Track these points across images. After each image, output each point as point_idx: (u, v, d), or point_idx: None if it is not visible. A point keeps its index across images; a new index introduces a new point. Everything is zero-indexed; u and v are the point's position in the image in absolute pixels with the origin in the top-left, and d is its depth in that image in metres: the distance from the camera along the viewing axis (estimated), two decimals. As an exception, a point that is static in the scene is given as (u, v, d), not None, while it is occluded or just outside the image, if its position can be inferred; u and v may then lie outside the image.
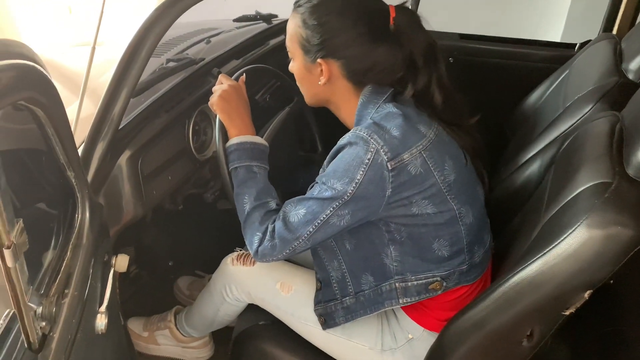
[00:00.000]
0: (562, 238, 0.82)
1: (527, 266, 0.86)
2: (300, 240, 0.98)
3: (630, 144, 0.87)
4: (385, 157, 0.91)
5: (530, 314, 0.88)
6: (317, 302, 1.15)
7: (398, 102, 0.99)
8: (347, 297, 1.10)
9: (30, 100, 0.60)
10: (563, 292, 0.83)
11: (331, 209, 0.94)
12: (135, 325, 1.53)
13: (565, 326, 0.90)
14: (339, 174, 0.93)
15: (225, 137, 1.13)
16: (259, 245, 1.01)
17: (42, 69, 0.61)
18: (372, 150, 0.91)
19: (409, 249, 1.00)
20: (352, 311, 1.10)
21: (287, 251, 1.00)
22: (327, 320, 1.13)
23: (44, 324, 0.67)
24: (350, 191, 0.92)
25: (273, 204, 1.06)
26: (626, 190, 0.81)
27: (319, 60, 1.00)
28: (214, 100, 1.13)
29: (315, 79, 1.03)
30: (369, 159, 0.91)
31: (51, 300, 0.70)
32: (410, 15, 1.00)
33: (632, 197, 0.80)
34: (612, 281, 0.81)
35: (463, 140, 1.05)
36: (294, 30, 1.02)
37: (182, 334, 1.48)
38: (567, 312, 0.84)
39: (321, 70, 1.01)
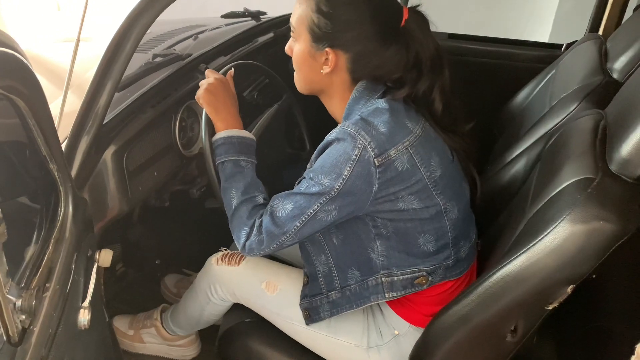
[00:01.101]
0: (545, 233, 0.82)
1: (511, 261, 0.87)
2: (288, 235, 0.98)
3: (612, 141, 0.88)
4: (372, 154, 0.91)
5: (514, 308, 0.88)
6: (303, 296, 1.15)
7: (388, 98, 0.99)
8: (333, 292, 1.10)
9: (9, 89, 0.59)
10: (546, 287, 0.84)
11: (318, 204, 0.94)
12: (121, 323, 1.51)
13: (550, 322, 0.91)
14: (326, 170, 0.93)
15: (212, 132, 1.12)
16: (246, 240, 1.01)
17: (22, 58, 0.60)
18: (359, 146, 0.91)
19: (395, 243, 1.01)
20: (337, 305, 1.10)
21: (274, 246, 0.99)
22: (312, 315, 1.13)
23: (23, 317, 0.67)
24: (337, 187, 0.92)
25: (260, 199, 1.06)
26: (609, 186, 0.82)
27: (327, 49, 0.99)
28: (200, 93, 1.12)
29: (318, 67, 1.02)
30: (356, 155, 0.91)
31: (31, 293, 0.69)
32: (421, 19, 1.00)
33: (614, 192, 0.81)
34: (594, 276, 0.82)
35: (453, 141, 1.05)
36: (305, 13, 0.99)
37: (168, 332, 1.47)
38: (551, 307, 0.85)
39: (326, 59, 1.00)
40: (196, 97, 1.13)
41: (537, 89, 1.65)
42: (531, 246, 0.84)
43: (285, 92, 1.38)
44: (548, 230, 0.82)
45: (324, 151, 0.97)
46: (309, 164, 1.02)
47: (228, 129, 1.10)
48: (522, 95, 1.75)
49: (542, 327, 0.91)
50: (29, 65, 0.62)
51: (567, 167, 0.93)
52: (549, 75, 1.62)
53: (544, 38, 2.93)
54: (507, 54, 2.04)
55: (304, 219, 0.96)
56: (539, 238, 0.83)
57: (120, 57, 0.96)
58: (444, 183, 1.00)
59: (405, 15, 0.98)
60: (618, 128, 0.89)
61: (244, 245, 1.02)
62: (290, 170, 1.43)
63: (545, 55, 1.94)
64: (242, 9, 1.86)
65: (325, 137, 0.98)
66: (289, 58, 1.09)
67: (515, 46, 2.06)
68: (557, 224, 0.81)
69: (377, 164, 0.91)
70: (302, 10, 1.00)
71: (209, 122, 1.12)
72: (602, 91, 1.24)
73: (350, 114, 1.01)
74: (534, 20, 2.98)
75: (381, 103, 0.97)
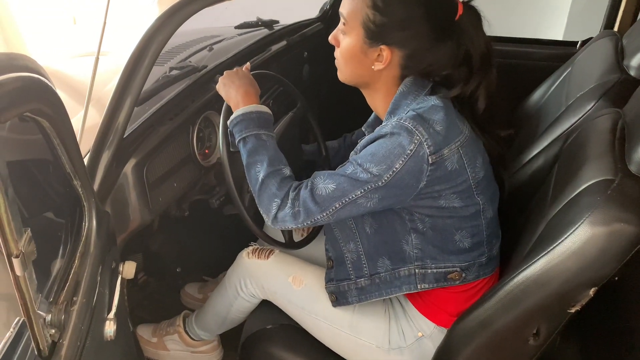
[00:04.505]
0: (565, 236, 0.82)
1: (531, 264, 0.86)
2: (324, 214, 0.98)
3: (631, 141, 0.87)
4: (427, 151, 0.91)
5: (535, 312, 0.88)
6: (329, 279, 1.16)
7: (438, 96, 0.98)
8: (362, 279, 1.11)
9: (35, 111, 0.61)
10: (568, 290, 0.83)
11: (362, 190, 0.94)
12: (144, 331, 1.54)
13: (573, 324, 0.90)
14: (377, 159, 0.93)
15: (229, 143, 1.14)
16: (278, 211, 1.01)
17: (46, 81, 0.62)
18: (415, 141, 0.91)
19: (431, 238, 1.01)
20: (366, 292, 1.11)
21: (309, 222, 0.99)
22: (339, 299, 1.14)
23: (53, 331, 0.68)
24: (386, 178, 0.92)
25: (287, 171, 1.06)
26: (628, 187, 0.81)
27: (382, 46, 0.98)
28: (219, 84, 1.17)
29: (369, 62, 1.00)
30: (411, 150, 0.91)
31: (60, 307, 0.71)
32: (474, 15, 0.99)
33: (634, 193, 0.80)
34: (616, 278, 0.81)
35: (489, 145, 1.06)
36: (359, 8, 0.97)
37: (191, 337, 1.49)
38: (573, 310, 0.85)
39: (379, 55, 0.99)
40: (217, 87, 1.18)
41: (553, 87, 1.64)
42: (551, 249, 0.84)
43: (299, 100, 1.39)
44: (568, 233, 0.82)
45: (374, 142, 0.96)
46: (352, 152, 1.01)
47: (244, 106, 1.10)
48: (537, 94, 1.73)
49: (565, 329, 0.90)
50: (53, 88, 0.64)
51: (586, 168, 0.92)
52: (565, 74, 1.60)
53: (559, 36, 2.90)
54: (521, 52, 2.03)
55: (344, 201, 0.96)
56: (559, 241, 0.83)
57: (139, 74, 0.98)
58: (485, 184, 1.01)
59: (460, 11, 0.97)
60: (636, 127, 0.89)
61: (275, 216, 1.01)
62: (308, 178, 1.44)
63: (560, 53, 1.92)
64: (255, 19, 1.88)
65: (377, 129, 0.97)
66: (331, 47, 1.07)
67: (530, 45, 2.05)
68: (577, 226, 0.81)
69: (430, 162, 0.92)
70: (355, 4, 0.98)
71: (227, 134, 1.13)
72: (620, 89, 1.22)
73: (397, 109, 1.00)
74: (547, 17, 2.95)
75: (434, 100, 0.97)
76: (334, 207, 0.96)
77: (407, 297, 1.13)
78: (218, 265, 1.70)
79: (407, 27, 0.96)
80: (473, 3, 1.01)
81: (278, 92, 1.56)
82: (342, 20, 1.02)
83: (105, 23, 1.02)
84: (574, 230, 0.81)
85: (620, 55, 1.38)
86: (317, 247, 1.31)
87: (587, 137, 1.03)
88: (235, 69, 1.20)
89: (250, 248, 1.31)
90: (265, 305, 1.30)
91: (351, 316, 1.15)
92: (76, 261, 0.80)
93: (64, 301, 0.72)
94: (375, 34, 0.97)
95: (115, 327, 0.86)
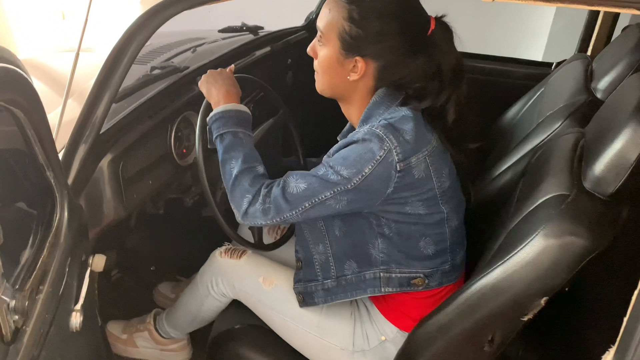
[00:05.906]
0: (521, 246, 0.86)
1: (488, 273, 0.90)
2: (294, 212, 1.00)
3: (588, 159, 0.92)
4: (396, 158, 0.95)
5: (491, 319, 0.91)
6: (297, 280, 1.19)
7: (409, 107, 1.02)
8: (329, 280, 1.13)
9: (9, 101, 0.62)
10: (521, 299, 0.87)
11: (331, 192, 0.97)
12: (114, 328, 1.54)
13: (535, 335, 0.93)
14: (348, 163, 0.96)
15: (206, 142, 1.16)
16: (249, 207, 1.03)
17: (22, 72, 0.64)
18: (385, 148, 0.94)
19: (397, 243, 1.04)
20: (332, 293, 1.13)
21: (278, 219, 1.02)
22: (306, 299, 1.17)
23: (17, 317, 0.69)
24: (355, 181, 0.95)
25: (261, 169, 1.09)
26: (582, 203, 0.85)
27: (357, 57, 1.01)
28: (201, 81, 1.19)
29: (345, 73, 1.04)
30: (380, 156, 0.94)
31: (25, 294, 0.72)
32: (446, 30, 1.03)
33: (587, 208, 0.84)
34: (567, 289, 0.85)
35: (456, 157, 1.09)
36: (336, 20, 1.00)
37: (161, 335, 1.49)
38: (526, 318, 0.88)
39: (354, 66, 1.02)
40: (199, 84, 1.20)
41: (527, 105, 1.69)
42: (507, 259, 0.87)
43: (281, 107, 1.41)
44: (524, 244, 0.85)
45: (346, 146, 0.99)
46: (325, 156, 1.04)
47: (224, 104, 1.13)
48: (512, 111, 1.79)
49: (528, 339, 0.93)
50: (29, 79, 0.65)
51: (546, 183, 0.96)
52: (538, 93, 1.65)
53: (538, 56, 2.98)
54: (501, 71, 2.09)
55: (313, 201, 0.98)
56: (515, 251, 0.86)
57: (118, 70, 0.99)
58: (450, 194, 1.05)
59: (432, 26, 1.01)
60: (594, 147, 0.93)
61: (245, 211, 1.03)
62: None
63: (536, 72, 1.98)
64: (239, 23, 1.90)
65: (350, 135, 1.00)
66: (310, 59, 1.10)
67: (509, 63, 2.11)
68: (532, 238, 0.84)
69: (398, 169, 0.95)
70: (332, 17, 1.01)
71: (203, 133, 1.15)
72: (586, 110, 1.27)
73: (369, 118, 1.03)
74: (527, 38, 3.03)
75: (405, 111, 1.00)
76: (303, 206, 0.99)
77: (372, 301, 1.16)
78: (192, 265, 1.70)
79: (381, 40, 0.99)
80: (455, 23, 1.05)
81: (259, 97, 1.59)
82: (319, 32, 1.05)
83: (87, 19, 1.04)
84: (529, 242, 0.84)
85: (589, 77, 1.44)
86: (289, 250, 1.33)
87: (550, 154, 1.07)
88: (219, 69, 1.22)
89: (223, 247, 1.33)
90: (235, 306, 1.31)
91: (318, 318, 1.18)
92: (45, 251, 0.80)
93: (29, 289, 0.73)
94: (351, 46, 1.01)
95: (81, 318, 0.87)
